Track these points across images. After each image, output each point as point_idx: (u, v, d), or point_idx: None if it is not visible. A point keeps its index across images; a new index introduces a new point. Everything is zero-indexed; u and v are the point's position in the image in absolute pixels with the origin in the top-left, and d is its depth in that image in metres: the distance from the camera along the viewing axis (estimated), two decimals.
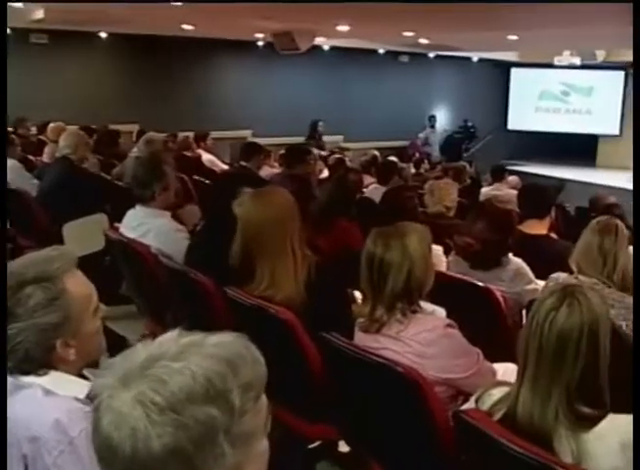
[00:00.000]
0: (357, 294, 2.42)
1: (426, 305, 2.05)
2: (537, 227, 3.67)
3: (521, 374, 1.55)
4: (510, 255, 2.97)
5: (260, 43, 10.83)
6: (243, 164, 5.90)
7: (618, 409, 1.53)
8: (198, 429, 0.79)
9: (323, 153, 8.08)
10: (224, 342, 0.87)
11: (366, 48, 11.34)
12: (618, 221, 2.69)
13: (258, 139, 9.32)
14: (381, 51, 12.07)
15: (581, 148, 13.55)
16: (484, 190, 6.71)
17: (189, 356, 0.82)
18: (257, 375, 0.87)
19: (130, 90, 10.14)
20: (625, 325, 2.49)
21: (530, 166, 12.97)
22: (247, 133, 10.83)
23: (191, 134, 8.22)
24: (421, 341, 1.92)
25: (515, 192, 4.70)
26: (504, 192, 6.27)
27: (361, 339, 2.05)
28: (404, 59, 12.61)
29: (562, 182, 8.36)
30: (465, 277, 2.80)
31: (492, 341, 2.31)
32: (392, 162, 6.68)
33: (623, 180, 10.86)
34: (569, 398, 1.48)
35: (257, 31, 9.42)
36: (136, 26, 8.90)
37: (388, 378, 1.83)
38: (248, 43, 10.71)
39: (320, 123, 11.31)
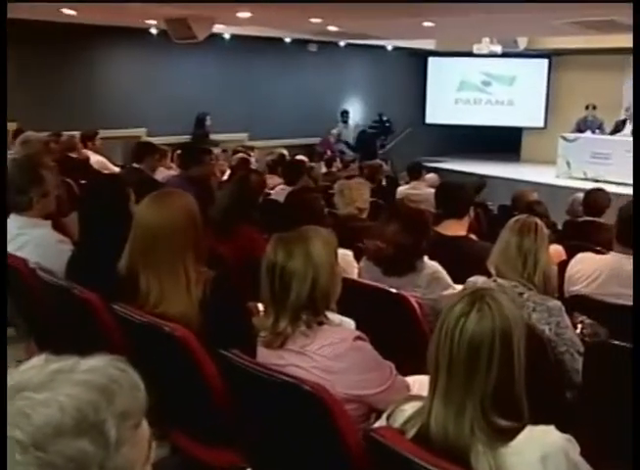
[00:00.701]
0: (261, 306, 2.43)
1: (333, 316, 2.08)
2: (455, 228, 3.80)
3: (432, 387, 1.59)
4: (425, 258, 3.06)
5: (153, 31, 10.65)
6: (135, 165, 5.81)
7: (539, 420, 1.58)
8: (67, 466, 0.77)
9: (217, 151, 8.03)
10: (97, 367, 0.86)
11: (271, 36, 11.38)
12: (537, 220, 2.83)
13: (153, 138, 9.18)
14: (287, 39, 12.15)
15: (505, 142, 14.14)
16: (401, 189, 6.89)
17: (56, 385, 0.81)
18: (136, 402, 0.86)
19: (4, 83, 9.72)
20: (549, 329, 2.62)
21: (450, 163, 13.41)
22: (140, 132, 10.63)
23: (77, 134, 7.99)
24: (328, 355, 1.95)
25: (433, 191, 4.85)
26: (421, 191, 6.47)
27: (264, 355, 2.07)
28: (313, 48, 12.73)
29: (483, 179, 8.68)
30: (377, 284, 2.86)
31: (408, 352, 2.37)
32: (300, 161, 6.75)
33: (549, 175, 11.43)
34: (484, 410, 1.53)
35: (149, 17, 9.26)
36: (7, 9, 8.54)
37: (295, 397, 1.84)
38: (139, 31, 10.50)
39: (208, 117, 11.11)
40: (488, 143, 14.24)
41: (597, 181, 10.45)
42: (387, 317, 2.75)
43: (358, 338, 2.00)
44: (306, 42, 12.46)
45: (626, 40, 11.27)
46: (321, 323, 2.02)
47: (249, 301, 2.53)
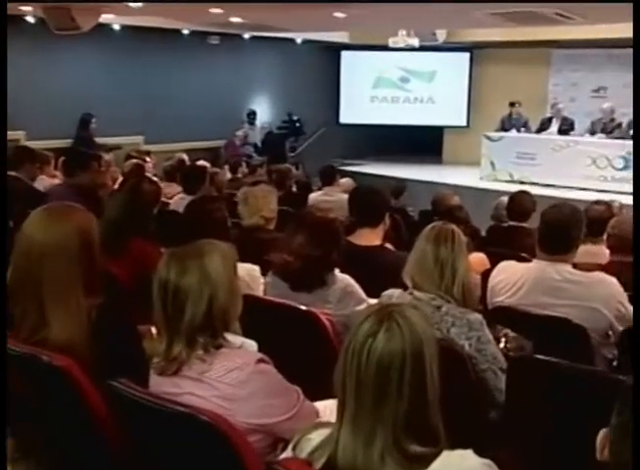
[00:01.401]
0: (154, 329, 2.41)
1: (233, 338, 2.09)
2: (370, 237, 3.88)
3: (340, 413, 1.61)
4: (336, 271, 3.11)
5: (30, 19, 10.35)
6: (12, 173, 5.68)
7: (459, 443, 1.62)
8: None
9: (108, 157, 7.90)
10: None
11: (167, 27, 11.28)
12: (454, 227, 2.92)
13: (34, 142, 8.93)
14: (185, 31, 12.06)
15: (425, 142, 14.50)
16: (313, 196, 6.95)
17: None
18: None
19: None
20: (469, 345, 2.71)
21: (367, 166, 13.64)
22: (18, 135, 10.30)
23: None
24: (229, 381, 1.96)
25: (347, 197, 4.91)
26: (334, 197, 6.55)
27: (158, 383, 2.05)
28: (214, 40, 12.69)
29: (403, 182, 8.84)
30: (284, 301, 2.89)
31: (318, 374, 2.40)
32: (202, 166, 6.72)
33: (472, 177, 11.79)
34: (395, 436, 1.55)
35: (23, 3, 9.00)
36: None
37: (191, 429, 1.84)
38: (12, 18, 10.19)
39: (93, 120, 10.83)
40: (408, 144, 14.56)
41: (523, 183, 10.88)
42: (295, 337, 2.78)
43: (261, 361, 2.02)
44: (207, 34, 12.42)
45: (551, 32, 11.83)
46: (220, 346, 2.02)
47: (143, 323, 2.51)
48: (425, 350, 1.61)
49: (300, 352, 2.81)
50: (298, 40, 13.70)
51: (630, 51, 12.74)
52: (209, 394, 1.96)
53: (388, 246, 4.10)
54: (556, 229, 3.32)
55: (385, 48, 12.65)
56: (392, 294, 2.88)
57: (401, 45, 12.15)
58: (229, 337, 2.07)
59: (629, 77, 12.92)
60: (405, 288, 2.86)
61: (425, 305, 2.74)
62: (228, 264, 2.08)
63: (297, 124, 13.47)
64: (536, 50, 13.41)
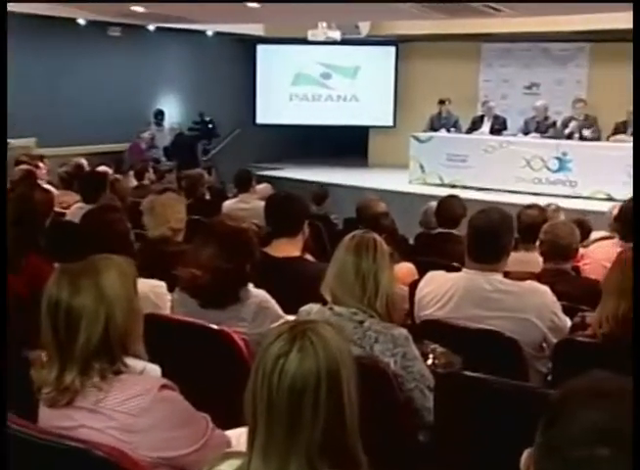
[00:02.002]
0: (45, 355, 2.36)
1: (134, 363, 2.07)
2: (288, 248, 3.90)
3: (250, 441, 1.61)
4: (250, 286, 3.11)
5: None
6: None
7: (384, 468, 1.67)
8: None
9: None
10: None
11: (61, 16, 11.09)
12: (375, 235, 2.97)
13: None
14: (81, 21, 11.86)
15: (350, 144, 14.65)
16: (227, 203, 6.94)
17: None
18: None
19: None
20: (394, 362, 2.75)
21: (287, 170, 13.68)
22: None
23: None
24: (129, 410, 1.94)
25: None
26: (251, 205, 6.55)
27: (48, 416, 2.02)
28: (115, 32, 12.53)
29: (325, 188, 8.91)
30: (193, 319, 2.87)
31: (231, 399, 2.39)
32: (102, 172, 6.63)
33: (400, 181, 11.94)
34: (311, 464, 1.56)
35: None
36: None
37: (86, 466, 1.81)
38: None
39: None
40: (331, 146, 14.67)
41: (454, 187, 11.09)
42: (205, 359, 2.77)
43: (165, 387, 2.01)
44: (106, 25, 12.24)
45: (480, 25, 12.14)
46: (118, 372, 2.00)
47: (34, 349, 2.46)
48: (341, 369, 1.62)
49: (212, 375, 2.80)
50: (209, 32, 13.66)
51: (563, 45, 13.30)
52: (106, 425, 1.94)
53: (308, 257, 4.12)
54: (485, 236, 3.39)
55: (304, 42, 12.73)
56: (311, 309, 2.89)
57: (322, 38, 12.25)
58: (129, 361, 2.05)
59: (562, 73, 13.44)
60: (325, 302, 2.88)
61: (346, 320, 2.77)
62: (126, 281, 2.06)
63: (210, 125, 13.41)
64: (466, 44, 13.74)
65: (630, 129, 10.88)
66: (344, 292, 2.82)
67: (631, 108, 10.82)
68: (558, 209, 6.53)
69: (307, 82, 14.97)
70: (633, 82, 9.63)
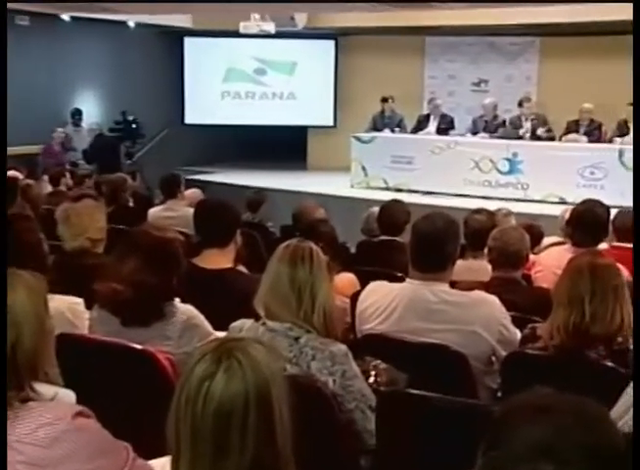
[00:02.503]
0: None
1: (45, 389, 2.04)
2: (218, 259, 3.89)
3: None
4: (177, 301, 3.10)
5: None
6: None
7: None
8: None
9: None
10: None
11: None
12: (311, 244, 2.97)
13: None
14: None
15: (287, 145, 14.66)
16: (153, 211, 6.88)
17: None
18: None
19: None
20: (333, 381, 2.76)
21: (219, 174, 13.65)
22: None
23: None
24: (38, 441, 1.89)
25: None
26: (179, 212, 6.52)
27: None
28: (23, 21, 12.31)
29: (261, 193, 8.90)
30: (114, 339, 2.84)
31: (155, 425, 2.37)
32: (11, 178, 6.51)
33: (342, 185, 11.99)
34: None
35: None
36: None
37: None
38: None
39: None
40: (267, 147, 14.65)
41: (400, 191, 11.19)
42: (128, 381, 2.74)
43: (79, 415, 1.97)
44: (13, 12, 12.02)
45: (425, 18, 12.29)
46: (26, 400, 1.95)
47: None
48: (272, 390, 1.63)
49: (134, 399, 2.77)
50: (131, 23, 13.53)
51: (511, 39, 13.53)
52: (13, 460, 1.89)
53: (241, 268, 4.11)
54: (429, 244, 3.43)
55: (236, 34, 12.72)
56: (243, 325, 2.89)
57: (255, 31, 12.25)
58: (39, 387, 2.01)
59: (511, 69, 13.67)
60: (259, 318, 2.88)
61: (280, 336, 2.78)
62: (36, 299, 2.03)
63: (134, 125, 13.26)
64: (409, 38, 13.89)
65: (583, 128, 11.15)
66: (279, 306, 2.83)
67: (586, 105, 11.14)
68: (508, 213, 6.63)
69: (240, 79, 14.93)
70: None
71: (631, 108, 10.68)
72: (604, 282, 3.07)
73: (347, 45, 14.70)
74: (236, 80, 14.94)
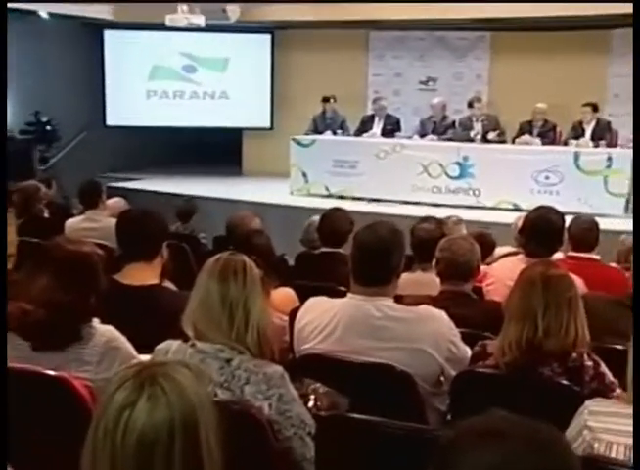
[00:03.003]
0: None
1: None
2: (143, 275, 3.86)
3: None
4: (96, 322, 3.07)
5: None
6: None
7: None
8: None
9: None
10: None
11: None
12: (244, 257, 2.98)
13: None
14: None
15: (220, 149, 14.61)
16: (71, 222, 6.81)
17: None
18: None
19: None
20: (269, 406, 2.75)
21: (145, 181, 13.52)
22: None
23: None
24: None
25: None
26: (100, 223, 6.45)
27: None
28: None
29: (192, 201, 8.89)
30: (24, 365, 2.80)
31: (72, 460, 2.35)
32: None
33: (280, 192, 11.98)
34: None
35: None
36: None
37: None
38: None
39: None
40: (198, 151, 14.60)
41: (343, 198, 11.23)
42: (41, 411, 2.70)
43: None
44: None
45: (368, 11, 12.37)
46: None
47: None
48: (199, 418, 1.63)
49: (49, 431, 2.74)
50: (43, 13, 13.29)
51: (461, 34, 13.69)
52: None
53: (169, 284, 4.09)
54: (371, 255, 3.45)
55: (162, 28, 12.64)
56: (170, 347, 2.88)
57: (183, 24, 12.19)
58: None
59: (461, 67, 13.83)
60: (187, 338, 2.87)
61: (211, 358, 2.77)
62: None
63: (49, 127, 13.11)
64: (352, 32, 13.95)
65: (537, 130, 11.34)
66: (209, 325, 2.83)
67: (540, 105, 11.34)
68: (459, 221, 6.71)
69: (167, 76, 14.80)
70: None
71: (587, 108, 10.96)
72: (557, 294, 3.13)
73: (285, 40, 14.69)
74: (163, 78, 14.80)
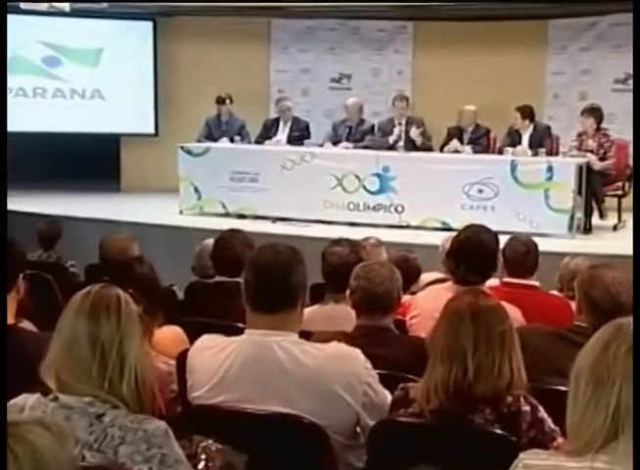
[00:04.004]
0: None
1: None
2: None
3: None
4: None
5: None
6: None
7: None
8: None
9: None
10: None
11: None
12: (118, 291, 2.96)
13: None
14: None
15: (93, 160, 14.36)
16: None
17: None
18: None
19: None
20: (148, 469, 2.72)
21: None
22: None
23: None
24: None
25: None
26: None
27: None
28: None
29: (58, 223, 8.77)
30: None
31: None
32: None
33: (167, 211, 11.86)
34: None
35: None
36: None
37: None
38: None
39: None
40: (66, 162, 14.38)
41: (243, 217, 11.22)
42: None
43: None
44: None
45: None
46: None
47: None
48: None
49: None
50: None
51: (379, 24, 13.81)
52: None
53: (26, 325, 4.04)
54: (269, 275, 3.46)
55: (17, 11, 12.44)
56: (25, 402, 2.84)
57: (43, 8, 12.01)
58: None
59: (379, 62, 13.96)
60: (48, 391, 2.83)
61: (78, 414, 2.75)
62: None
63: None
64: (250, 20, 13.95)
65: (468, 136, 11.48)
66: (75, 373, 2.81)
67: (468, 107, 11.51)
68: (378, 243, 6.75)
69: (24, 70, 14.47)
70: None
71: (517, 114, 11.15)
72: (489, 329, 3.18)
73: (170, 29, 14.67)
74: (19, 72, 14.35)
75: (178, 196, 12.11)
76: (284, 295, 3.49)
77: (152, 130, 14.86)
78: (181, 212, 11.97)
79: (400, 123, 11.66)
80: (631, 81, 12.15)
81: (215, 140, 12.47)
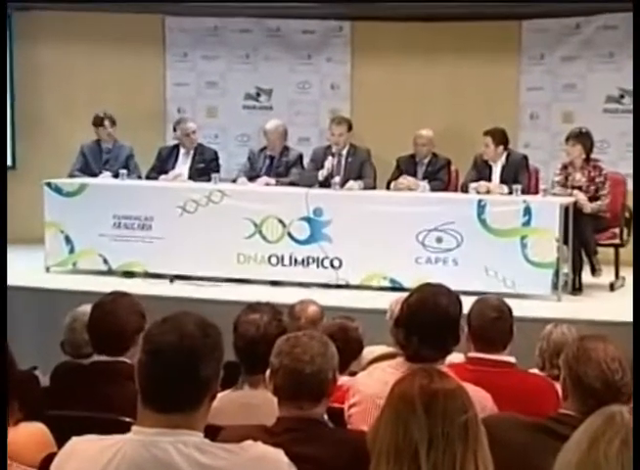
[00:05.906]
0: None
1: None
2: None
3: None
4: None
5: None
6: None
7: None
8: None
9: None
10: None
11: None
12: None
13: None
14: None
15: None
16: None
17: None
18: None
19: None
20: None
21: None
22: None
23: None
24: None
25: None
26: None
27: None
28: None
29: None
30: None
31: None
32: None
33: (29, 268, 11.77)
34: None
35: None
36: None
37: None
38: None
39: None
40: None
41: (130, 275, 11.25)
42: None
43: None
44: None
45: None
46: None
47: None
48: None
49: None
50: None
51: (306, 24, 13.86)
52: None
53: None
54: (170, 364, 3.40)
55: None
56: None
57: None
58: None
59: (308, 72, 13.94)
60: None
61: None
62: None
63: None
64: (138, 18, 13.87)
65: (423, 168, 11.48)
66: None
67: (422, 132, 11.54)
68: (318, 310, 6.77)
69: None
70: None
71: (487, 139, 11.15)
72: (447, 420, 3.19)
73: (29, 28, 14.54)
74: None
75: (43, 247, 12.01)
76: (188, 392, 3.40)
77: (8, 161, 14.56)
78: (48, 270, 11.96)
79: (340, 154, 11.69)
80: (627, 100, 12.30)
81: (94, 174, 12.41)
